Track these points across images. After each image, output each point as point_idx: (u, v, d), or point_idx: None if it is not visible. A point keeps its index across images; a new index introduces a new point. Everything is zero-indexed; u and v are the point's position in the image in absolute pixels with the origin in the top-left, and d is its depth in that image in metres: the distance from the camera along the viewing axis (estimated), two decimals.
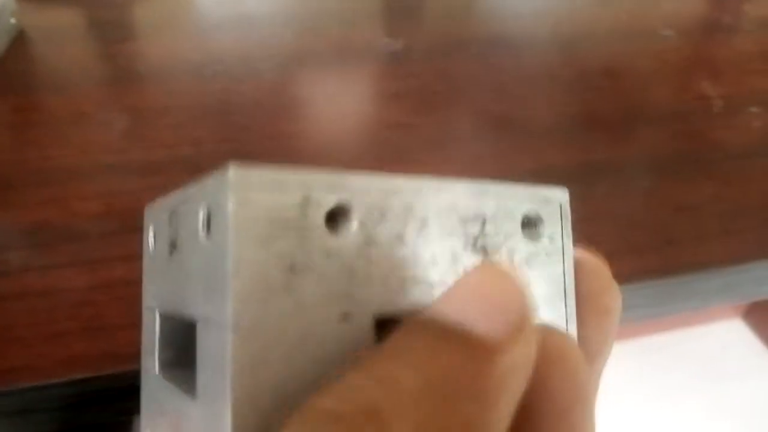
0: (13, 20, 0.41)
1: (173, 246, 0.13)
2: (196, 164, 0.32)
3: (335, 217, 0.11)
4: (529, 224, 0.14)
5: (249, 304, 0.10)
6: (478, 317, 0.09)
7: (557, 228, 0.14)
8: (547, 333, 0.12)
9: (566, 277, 0.14)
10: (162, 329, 0.15)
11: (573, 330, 0.14)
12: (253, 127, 0.35)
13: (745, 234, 0.29)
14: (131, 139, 0.33)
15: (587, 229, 0.30)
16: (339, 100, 0.39)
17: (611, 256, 0.29)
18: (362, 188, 0.11)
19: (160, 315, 0.14)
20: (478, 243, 0.12)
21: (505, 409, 0.09)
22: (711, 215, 0.31)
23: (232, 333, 0.10)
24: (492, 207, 0.13)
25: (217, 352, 0.10)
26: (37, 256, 0.26)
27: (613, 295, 0.14)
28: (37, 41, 0.42)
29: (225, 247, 0.10)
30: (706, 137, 0.36)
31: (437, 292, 0.12)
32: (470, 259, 0.12)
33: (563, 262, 0.14)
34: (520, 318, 0.09)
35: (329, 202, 0.11)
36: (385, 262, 0.11)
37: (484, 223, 0.13)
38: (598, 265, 0.14)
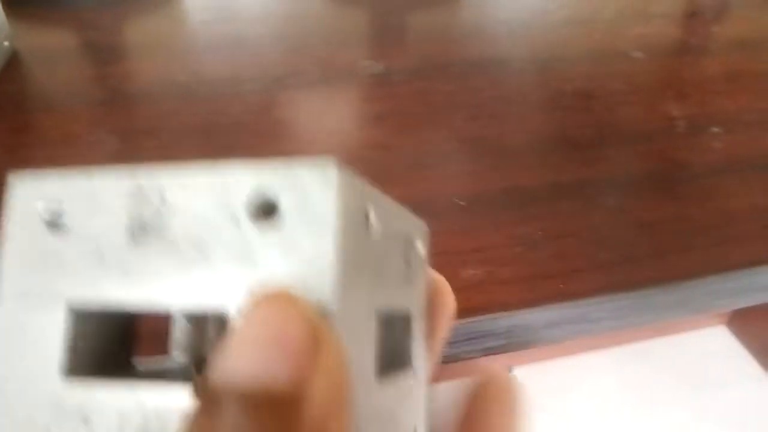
0: (6, 43, 0.42)
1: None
2: None
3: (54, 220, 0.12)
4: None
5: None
6: (261, 368, 0.09)
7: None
8: (492, 375, 0.14)
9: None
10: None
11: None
12: (238, 147, 0.37)
13: (702, 250, 0.31)
14: (120, 161, 0.34)
15: (555, 246, 0.32)
16: (322, 121, 0.41)
17: (577, 272, 0.30)
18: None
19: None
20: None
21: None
22: (671, 232, 0.32)
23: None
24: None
25: None
26: None
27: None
28: (30, 63, 0.43)
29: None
30: (670, 157, 0.38)
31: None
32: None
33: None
34: (308, 344, 0.09)
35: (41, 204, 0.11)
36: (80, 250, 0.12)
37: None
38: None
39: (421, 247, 0.15)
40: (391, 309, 0.13)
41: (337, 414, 0.09)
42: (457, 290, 0.14)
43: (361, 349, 0.11)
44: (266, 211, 0.11)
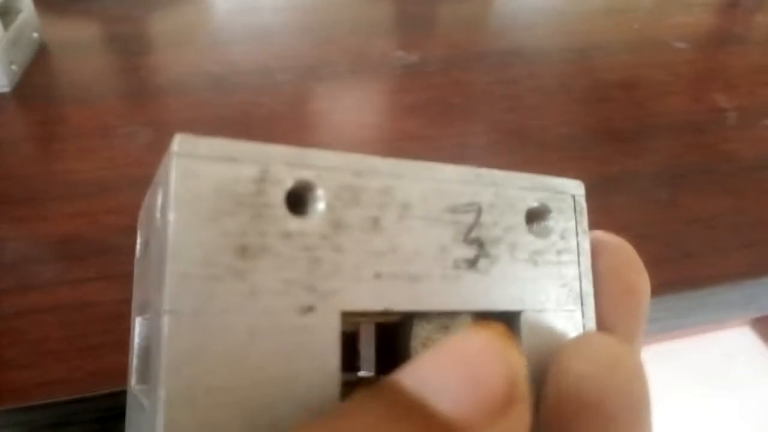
0: (35, 35, 0.42)
1: (146, 245, 0.11)
2: None
3: (298, 197, 0.10)
4: (536, 217, 0.12)
5: (190, 286, 0.09)
6: (445, 390, 0.08)
7: (570, 224, 0.12)
8: (595, 338, 0.11)
9: (582, 281, 0.12)
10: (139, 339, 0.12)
11: None
12: (272, 138, 0.36)
13: (762, 246, 0.30)
14: (156, 152, 0.34)
15: None
16: (356, 112, 0.40)
17: None
18: (331, 166, 0.10)
19: (135, 323, 0.12)
20: (472, 234, 0.11)
21: None
22: (727, 227, 0.31)
23: (168, 317, 0.08)
24: (489, 195, 0.11)
25: (157, 341, 0.09)
26: (68, 269, 0.27)
27: (637, 270, 0.13)
28: (59, 55, 0.43)
29: (167, 223, 0.09)
30: (720, 149, 0.37)
31: (420, 287, 0.10)
32: (462, 252, 0.11)
33: (578, 264, 0.12)
34: (501, 397, 0.08)
35: (290, 178, 0.10)
36: (356, 251, 0.10)
37: (479, 212, 0.11)
38: (619, 242, 0.13)
39: (536, 217, 0.16)
40: None
41: None
42: None
43: None
44: (539, 218, 0.12)
